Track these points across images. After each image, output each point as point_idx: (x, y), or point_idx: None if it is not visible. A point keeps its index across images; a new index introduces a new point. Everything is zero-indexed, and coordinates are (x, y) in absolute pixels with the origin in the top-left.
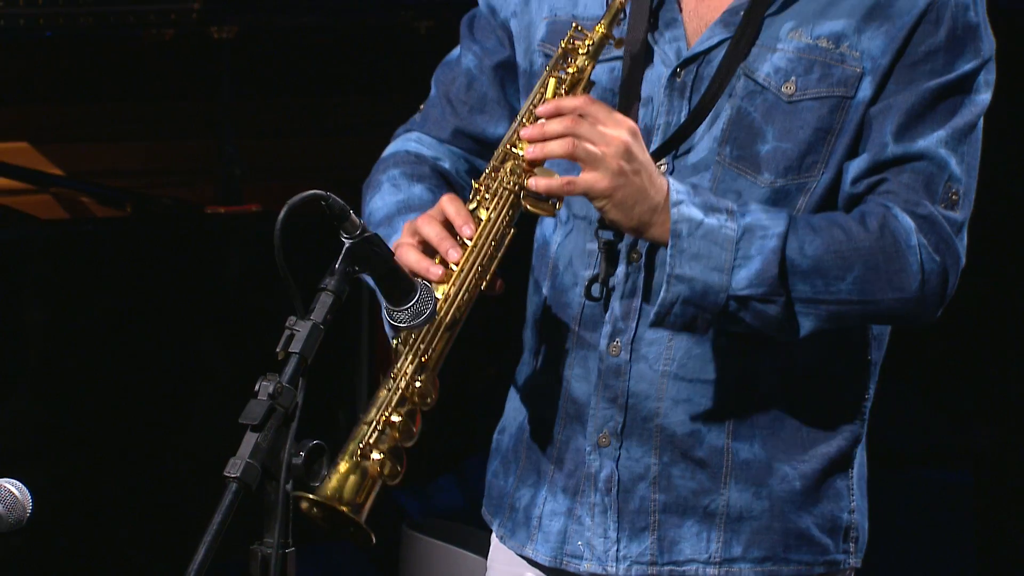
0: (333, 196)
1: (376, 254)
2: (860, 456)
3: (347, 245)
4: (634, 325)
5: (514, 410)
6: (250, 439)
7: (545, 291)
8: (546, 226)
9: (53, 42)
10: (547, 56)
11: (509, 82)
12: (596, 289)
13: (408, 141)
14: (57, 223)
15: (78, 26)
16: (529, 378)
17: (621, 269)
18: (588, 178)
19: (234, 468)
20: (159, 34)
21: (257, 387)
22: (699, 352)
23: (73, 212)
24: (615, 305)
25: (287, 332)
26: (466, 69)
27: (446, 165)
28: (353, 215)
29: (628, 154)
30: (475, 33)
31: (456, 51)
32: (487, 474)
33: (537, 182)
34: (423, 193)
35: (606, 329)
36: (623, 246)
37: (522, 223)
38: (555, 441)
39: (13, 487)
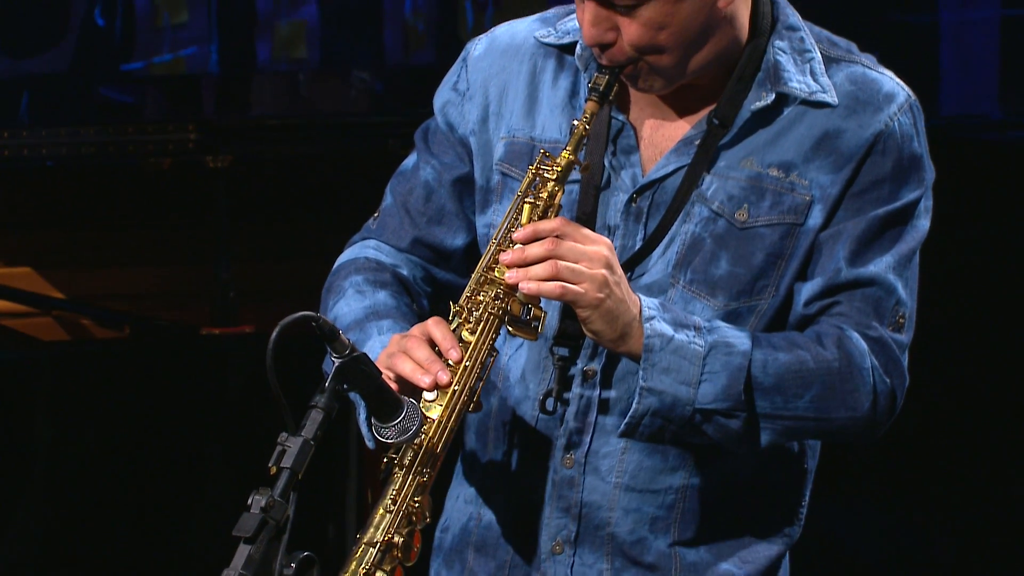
0: (323, 317)
1: (364, 372)
2: (788, 553)
3: (336, 364)
4: (588, 439)
5: (458, 511)
6: (243, 551)
7: (493, 400)
8: None
9: (55, 171)
10: (504, 175)
11: (467, 196)
12: (550, 404)
13: (366, 248)
14: (59, 344)
15: (79, 155)
16: (476, 483)
17: (576, 385)
18: (577, 288)
19: None
20: (157, 163)
21: (250, 501)
22: (650, 464)
23: (74, 334)
24: (569, 420)
25: (279, 448)
26: (424, 181)
27: (404, 272)
28: (342, 335)
29: (610, 266)
30: (432, 147)
31: (411, 161)
32: (430, 572)
33: (528, 286)
34: (387, 299)
35: (560, 442)
36: (578, 364)
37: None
38: (506, 547)
39: None
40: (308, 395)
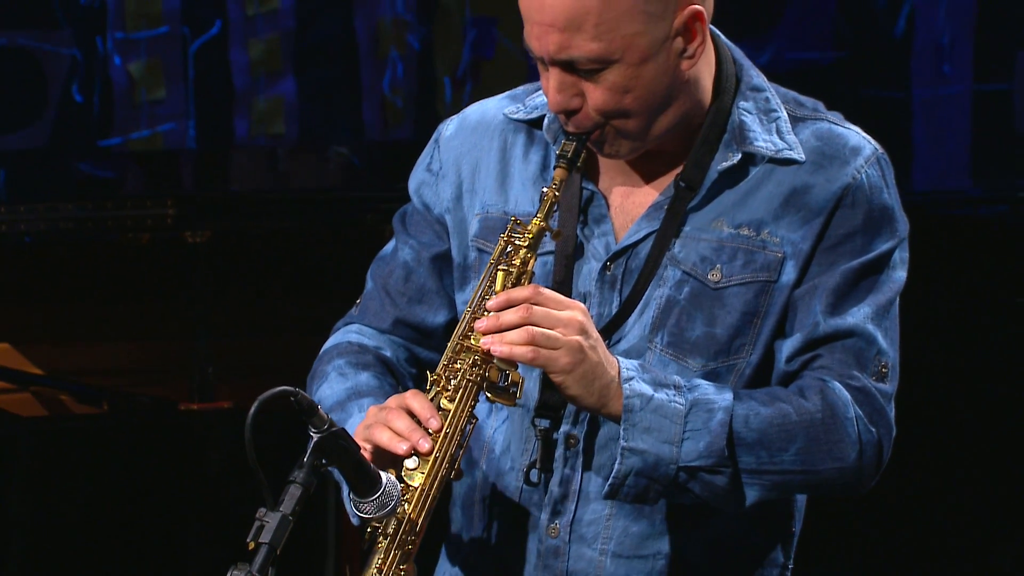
0: (301, 392)
1: (343, 447)
2: None
3: (315, 439)
4: (573, 507)
5: None
6: None
7: (478, 473)
8: (479, 409)
9: (33, 247)
10: (480, 251)
11: (446, 273)
12: (534, 475)
13: (349, 332)
14: (37, 420)
15: (58, 231)
16: (463, 559)
17: (559, 453)
18: (551, 354)
19: None
20: (135, 238)
21: None
22: (636, 530)
23: (52, 410)
24: (554, 488)
25: (257, 523)
26: (403, 262)
27: (388, 354)
28: (321, 410)
29: (584, 331)
30: (409, 228)
31: (390, 246)
32: None
33: (501, 349)
34: (370, 380)
35: (545, 511)
36: (561, 432)
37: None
38: None
39: None
40: (287, 470)
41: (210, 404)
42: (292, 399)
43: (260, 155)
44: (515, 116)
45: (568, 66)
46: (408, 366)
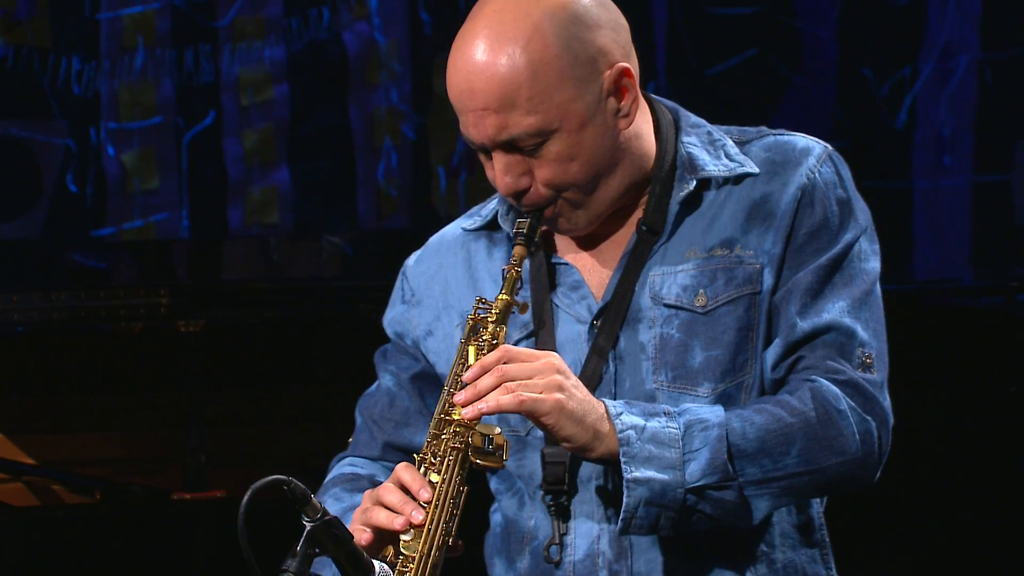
0: (295, 481)
1: (336, 536)
2: None
3: (308, 528)
4: (629, 563)
5: None
6: None
7: (522, 567)
8: (505, 507)
9: (25, 336)
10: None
11: (427, 393)
12: (554, 551)
13: (343, 466)
14: (29, 510)
15: (50, 321)
16: None
17: (600, 514)
18: (535, 396)
19: None
20: (128, 328)
21: None
22: (694, 569)
23: (45, 500)
24: (605, 550)
25: None
26: (386, 389)
27: (381, 479)
28: (314, 499)
29: (561, 371)
30: (388, 360)
31: (375, 384)
32: None
33: (486, 406)
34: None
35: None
36: (586, 494)
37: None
38: None
39: None
40: (280, 559)
41: (203, 493)
42: (285, 488)
43: (254, 245)
44: (472, 227)
45: (510, 146)
46: None
